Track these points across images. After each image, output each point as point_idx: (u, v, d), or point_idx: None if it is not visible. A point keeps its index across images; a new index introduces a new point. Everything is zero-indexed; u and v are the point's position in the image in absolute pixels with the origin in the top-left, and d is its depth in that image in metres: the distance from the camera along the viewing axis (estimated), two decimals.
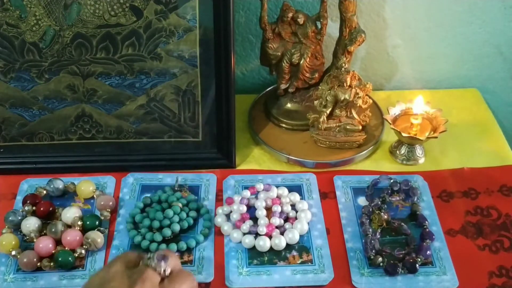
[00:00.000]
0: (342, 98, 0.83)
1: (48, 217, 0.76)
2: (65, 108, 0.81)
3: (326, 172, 0.84)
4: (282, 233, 0.74)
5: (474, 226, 0.76)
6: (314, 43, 0.86)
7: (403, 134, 0.83)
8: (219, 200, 0.80)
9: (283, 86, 0.90)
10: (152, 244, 0.72)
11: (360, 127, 0.85)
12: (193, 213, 0.77)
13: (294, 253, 0.73)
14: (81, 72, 0.79)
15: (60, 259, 0.70)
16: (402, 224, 0.75)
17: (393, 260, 0.71)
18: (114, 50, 0.78)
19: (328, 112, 0.84)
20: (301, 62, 0.86)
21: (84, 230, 0.74)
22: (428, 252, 0.72)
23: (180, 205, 0.77)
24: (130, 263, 0.60)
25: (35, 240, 0.72)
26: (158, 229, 0.74)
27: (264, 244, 0.73)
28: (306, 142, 0.88)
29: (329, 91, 0.84)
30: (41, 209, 0.76)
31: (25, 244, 0.73)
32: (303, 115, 0.88)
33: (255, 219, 0.76)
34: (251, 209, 0.78)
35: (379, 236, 0.74)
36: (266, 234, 0.74)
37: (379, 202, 0.78)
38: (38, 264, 0.70)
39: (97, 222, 0.75)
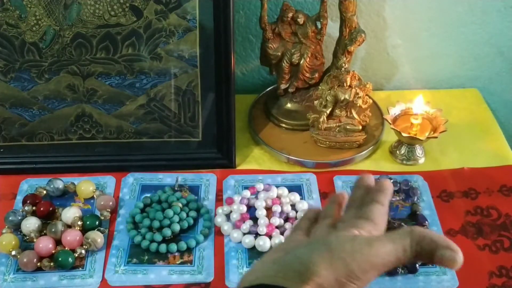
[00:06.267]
0: (342, 98, 0.83)
1: (48, 217, 0.76)
2: (65, 108, 0.81)
3: (326, 172, 0.84)
4: (282, 233, 0.74)
5: (474, 226, 0.76)
6: (314, 43, 0.86)
7: (403, 134, 0.83)
8: (219, 200, 0.80)
9: (283, 86, 0.90)
10: (152, 244, 0.72)
11: (360, 127, 0.85)
12: (193, 213, 0.77)
13: None
14: (81, 72, 0.79)
15: (60, 259, 0.70)
16: (402, 224, 0.75)
17: None
18: (114, 50, 0.77)
19: (328, 112, 0.84)
20: (301, 62, 0.86)
21: (84, 230, 0.74)
22: None
23: (180, 205, 0.77)
24: None
25: (35, 240, 0.72)
26: (158, 229, 0.74)
27: (264, 244, 0.73)
28: (306, 142, 0.88)
29: (329, 91, 0.84)
30: (41, 209, 0.76)
31: (25, 244, 0.73)
32: (303, 115, 0.88)
33: (255, 219, 0.76)
34: (251, 209, 0.78)
35: None
36: (266, 234, 0.74)
37: None
38: (38, 264, 0.70)
39: (97, 222, 0.74)
